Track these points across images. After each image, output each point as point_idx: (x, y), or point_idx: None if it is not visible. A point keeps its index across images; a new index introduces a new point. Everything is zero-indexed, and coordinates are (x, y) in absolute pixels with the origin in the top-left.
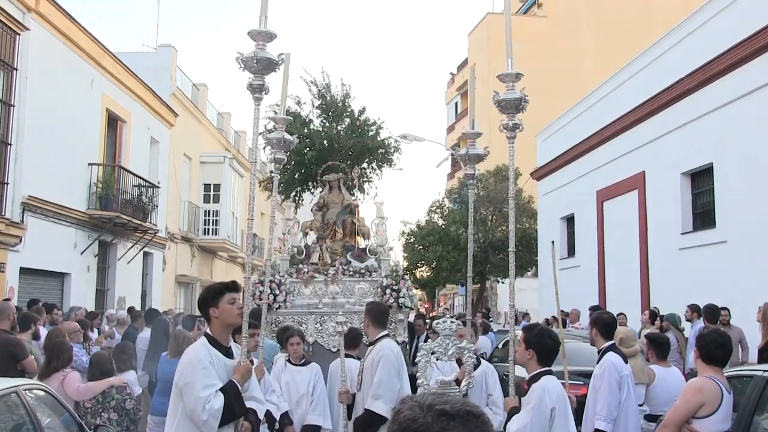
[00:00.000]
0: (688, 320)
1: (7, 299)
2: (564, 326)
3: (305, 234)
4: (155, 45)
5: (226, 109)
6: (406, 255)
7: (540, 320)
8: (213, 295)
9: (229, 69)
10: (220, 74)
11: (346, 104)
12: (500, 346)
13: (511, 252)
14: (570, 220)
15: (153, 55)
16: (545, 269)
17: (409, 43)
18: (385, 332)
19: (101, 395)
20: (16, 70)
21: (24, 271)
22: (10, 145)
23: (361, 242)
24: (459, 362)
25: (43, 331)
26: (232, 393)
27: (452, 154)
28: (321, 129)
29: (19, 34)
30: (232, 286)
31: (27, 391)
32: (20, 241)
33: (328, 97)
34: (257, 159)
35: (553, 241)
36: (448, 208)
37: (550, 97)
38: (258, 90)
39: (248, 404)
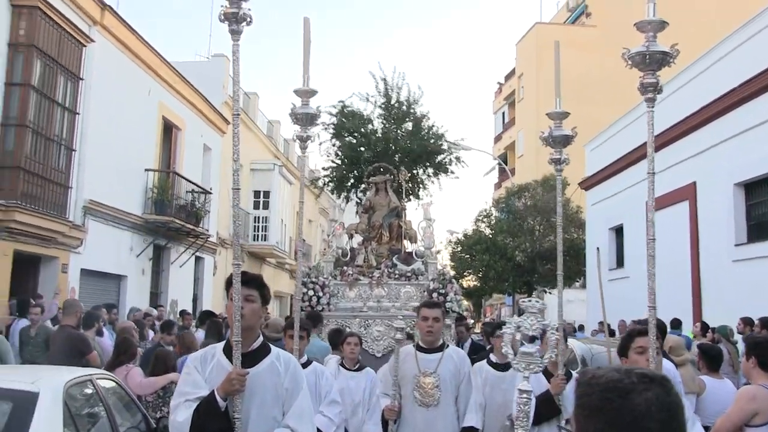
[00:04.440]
0: (740, 333)
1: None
2: (612, 335)
3: (351, 237)
4: (208, 55)
5: (276, 117)
6: (452, 264)
7: (589, 332)
8: (226, 288)
9: (279, 78)
10: (270, 82)
11: (411, 109)
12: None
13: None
14: (619, 231)
15: (206, 65)
16: (594, 281)
17: (457, 53)
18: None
19: (162, 390)
20: (82, 80)
21: (84, 273)
22: (75, 151)
23: (408, 246)
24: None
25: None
26: (202, 407)
27: (499, 164)
28: (381, 129)
29: (85, 46)
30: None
31: (99, 380)
32: (81, 243)
33: (394, 99)
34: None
35: (597, 248)
36: (495, 217)
37: (598, 106)
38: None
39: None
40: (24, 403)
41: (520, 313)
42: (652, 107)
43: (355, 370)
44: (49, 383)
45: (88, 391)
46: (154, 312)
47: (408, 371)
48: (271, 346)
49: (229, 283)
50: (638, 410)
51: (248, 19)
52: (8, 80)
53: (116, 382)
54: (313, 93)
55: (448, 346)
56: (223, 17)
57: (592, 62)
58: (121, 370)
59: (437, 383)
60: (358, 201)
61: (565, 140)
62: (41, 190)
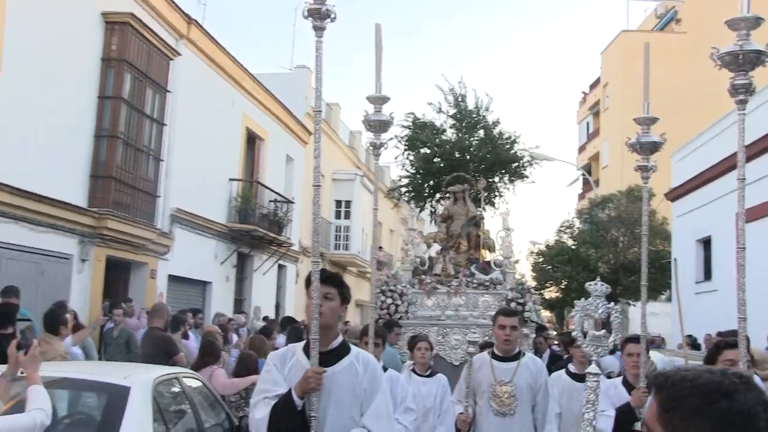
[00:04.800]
0: None
1: None
2: (698, 349)
3: (429, 246)
4: (290, 66)
5: (357, 127)
6: (534, 275)
7: (674, 345)
8: (306, 286)
9: (360, 89)
10: (351, 93)
11: (482, 115)
12: None
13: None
14: (707, 243)
15: (289, 76)
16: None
17: (541, 61)
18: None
19: (244, 391)
20: (169, 92)
21: (171, 278)
22: (162, 161)
23: (486, 255)
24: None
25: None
26: (279, 405)
27: (583, 174)
28: (453, 139)
29: (172, 59)
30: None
31: (185, 378)
32: (169, 250)
33: (464, 107)
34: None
35: (675, 259)
36: (578, 228)
37: (686, 115)
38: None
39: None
40: (117, 397)
41: (587, 296)
42: (744, 110)
43: (426, 376)
44: (139, 379)
45: (175, 389)
46: (241, 318)
47: (483, 380)
48: (352, 346)
49: (308, 281)
50: (746, 411)
51: (332, 15)
52: (101, 93)
53: (201, 382)
54: (386, 99)
55: (524, 354)
56: (306, 13)
57: (680, 70)
58: (206, 371)
59: (513, 392)
60: (432, 210)
61: (654, 147)
62: (131, 199)
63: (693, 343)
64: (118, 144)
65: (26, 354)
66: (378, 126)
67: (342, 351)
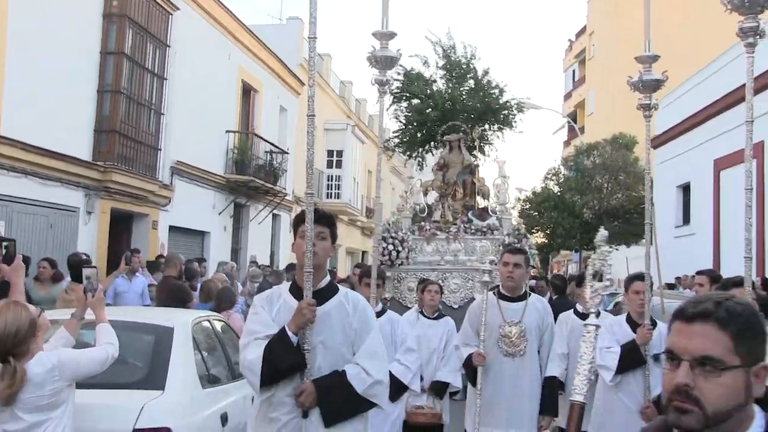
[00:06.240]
0: None
1: (160, 255)
2: (673, 288)
3: (426, 193)
4: (280, 17)
5: (348, 77)
6: (521, 221)
7: (655, 287)
8: (294, 226)
9: (350, 38)
10: (342, 43)
11: (471, 65)
12: (612, 306)
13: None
14: (686, 189)
15: (282, 27)
16: (660, 237)
17: (526, 10)
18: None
19: None
20: (169, 46)
21: (172, 229)
22: (163, 114)
23: (481, 202)
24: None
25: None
26: (274, 343)
27: (568, 122)
28: (444, 89)
29: (171, 14)
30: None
31: (214, 321)
32: (169, 202)
33: (453, 58)
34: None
35: (652, 204)
36: (563, 175)
37: (667, 66)
38: (383, 84)
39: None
40: (164, 336)
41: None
42: (753, 53)
43: (434, 318)
44: (180, 320)
45: (208, 328)
46: (257, 270)
47: (492, 320)
48: (339, 286)
49: (298, 220)
50: None
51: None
52: (103, 49)
53: (225, 323)
54: (392, 36)
55: (530, 294)
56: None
57: (661, 21)
58: (223, 315)
59: (523, 333)
60: (420, 160)
61: (656, 85)
62: (134, 152)
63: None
64: (121, 99)
65: (93, 297)
66: (385, 62)
67: (331, 290)
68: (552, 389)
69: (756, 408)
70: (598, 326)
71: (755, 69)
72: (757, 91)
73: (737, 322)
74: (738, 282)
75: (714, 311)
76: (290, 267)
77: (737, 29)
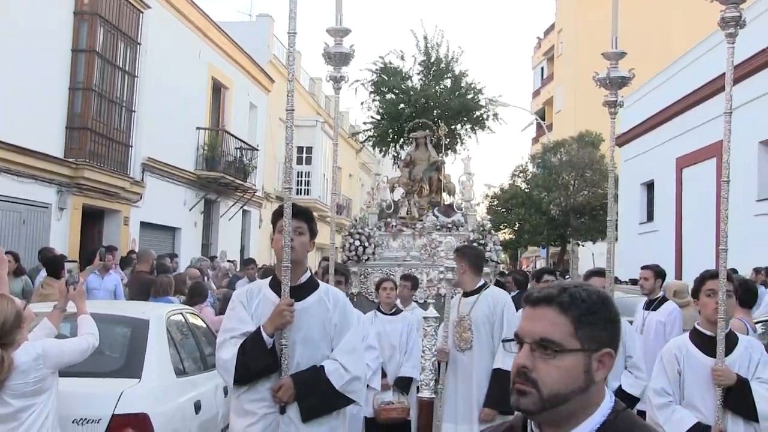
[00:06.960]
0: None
1: (131, 251)
2: (634, 284)
3: (392, 190)
4: (249, 12)
5: (318, 74)
6: (489, 217)
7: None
8: (273, 221)
9: (319, 37)
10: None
11: (451, 66)
12: None
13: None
14: (650, 186)
15: (252, 24)
16: (625, 234)
17: (495, 7)
18: (483, 281)
19: None
20: (140, 44)
21: (143, 225)
22: (134, 112)
23: (447, 199)
24: None
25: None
26: (248, 343)
27: (536, 119)
28: (420, 86)
29: (142, 12)
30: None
31: (187, 314)
32: (140, 198)
33: (434, 56)
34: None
35: (612, 200)
36: (531, 172)
37: (633, 64)
38: (337, 80)
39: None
40: (140, 328)
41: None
42: (733, 44)
43: (391, 314)
44: (155, 313)
45: (181, 321)
46: (227, 265)
47: (452, 317)
48: (320, 282)
49: (276, 215)
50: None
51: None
52: (74, 47)
53: (198, 316)
54: (346, 32)
55: (487, 287)
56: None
57: (627, 20)
58: (195, 309)
59: (469, 326)
60: (395, 155)
61: (622, 81)
62: (106, 149)
63: (632, 280)
64: (93, 96)
65: (74, 290)
66: (338, 59)
67: (311, 286)
68: (498, 381)
69: (607, 395)
70: (437, 317)
71: (723, 66)
72: (716, 92)
73: (579, 307)
74: (597, 272)
75: (557, 296)
76: (248, 261)
77: (719, 19)
